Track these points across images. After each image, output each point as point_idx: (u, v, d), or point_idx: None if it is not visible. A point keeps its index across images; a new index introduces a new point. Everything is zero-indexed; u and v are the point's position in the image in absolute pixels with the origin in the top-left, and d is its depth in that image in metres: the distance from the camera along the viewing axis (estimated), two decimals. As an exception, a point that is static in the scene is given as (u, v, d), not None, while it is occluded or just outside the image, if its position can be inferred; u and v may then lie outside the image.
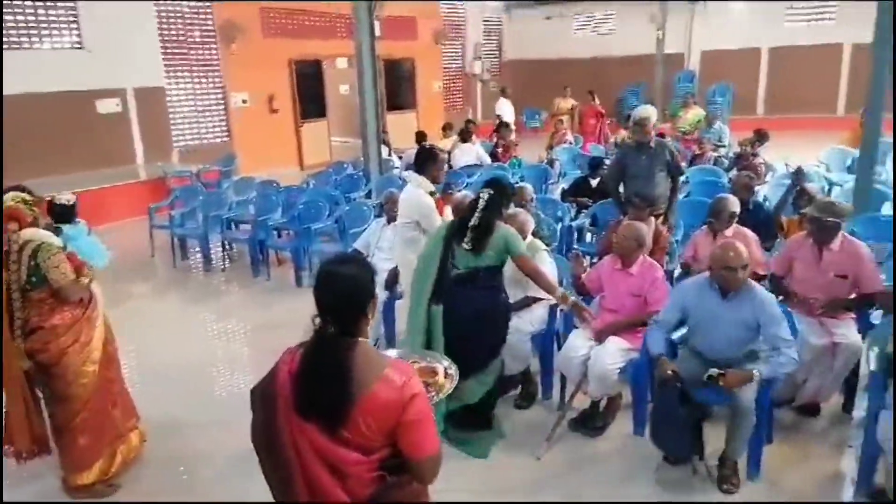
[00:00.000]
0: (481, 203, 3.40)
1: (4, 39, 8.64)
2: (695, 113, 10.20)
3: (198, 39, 11.51)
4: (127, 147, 10.49)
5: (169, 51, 11.06)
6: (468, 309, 3.38)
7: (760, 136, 7.98)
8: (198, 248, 7.37)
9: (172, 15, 11.04)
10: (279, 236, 7.30)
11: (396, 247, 4.46)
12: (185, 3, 11.15)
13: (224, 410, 3.95)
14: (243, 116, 12.22)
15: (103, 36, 9.75)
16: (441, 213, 4.22)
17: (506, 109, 12.78)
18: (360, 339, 1.71)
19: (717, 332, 3.22)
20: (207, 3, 11.39)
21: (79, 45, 9.69)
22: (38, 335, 3.04)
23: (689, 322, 3.36)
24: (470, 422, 3.58)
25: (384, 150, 8.94)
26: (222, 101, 12.03)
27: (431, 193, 4.15)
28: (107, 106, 10.10)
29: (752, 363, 3.16)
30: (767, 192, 6.52)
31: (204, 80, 11.75)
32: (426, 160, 4.16)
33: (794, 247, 3.85)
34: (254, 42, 11.98)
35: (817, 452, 3.47)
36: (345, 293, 1.69)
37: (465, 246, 3.38)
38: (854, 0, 12.93)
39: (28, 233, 3.01)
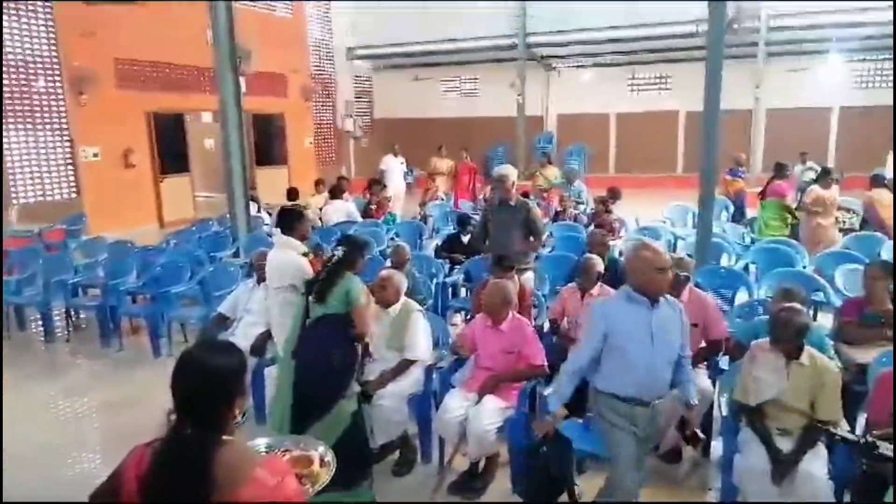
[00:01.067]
0: (334, 259, 3.51)
1: None
2: (553, 172, 10.82)
3: (42, 89, 10.65)
4: (-46, 205, 9.38)
5: (9, 100, 10.12)
6: (309, 352, 3.38)
7: (613, 194, 8.45)
8: (38, 317, 6.61)
9: (13, 61, 10.16)
10: (134, 301, 6.73)
11: (272, 311, 4.26)
12: (28, 48, 10.32)
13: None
14: (94, 171, 11.36)
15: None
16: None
17: (392, 165, 12.08)
18: (224, 437, 1.51)
19: (653, 352, 2.83)
20: (53, 51, 10.63)
21: None
22: None
23: (613, 353, 2.87)
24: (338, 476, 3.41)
25: (253, 207, 8.64)
26: (70, 155, 11.12)
27: (305, 254, 4.06)
28: (-71, 159, 9.02)
29: (669, 394, 2.96)
30: (623, 246, 6.95)
31: (49, 133, 10.83)
32: (292, 220, 4.12)
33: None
34: (107, 93, 11.29)
35: (683, 496, 3.64)
36: (207, 387, 1.50)
37: (311, 298, 3.44)
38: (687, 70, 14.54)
39: None
